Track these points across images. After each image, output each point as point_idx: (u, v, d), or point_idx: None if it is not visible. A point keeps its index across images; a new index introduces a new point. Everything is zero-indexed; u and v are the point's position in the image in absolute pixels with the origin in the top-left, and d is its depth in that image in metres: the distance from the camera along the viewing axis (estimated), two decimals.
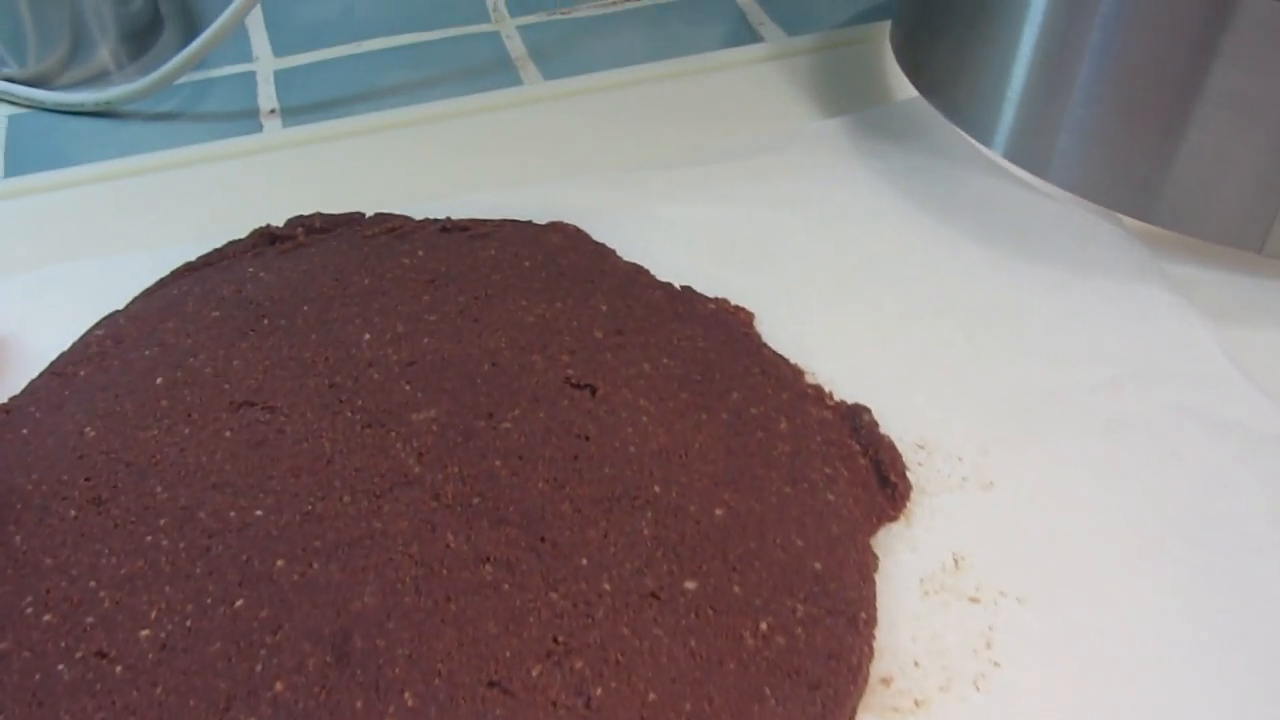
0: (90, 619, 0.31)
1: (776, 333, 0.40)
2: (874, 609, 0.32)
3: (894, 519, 0.35)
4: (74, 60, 0.56)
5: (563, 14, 0.61)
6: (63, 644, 0.30)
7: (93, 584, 0.32)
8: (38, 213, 0.47)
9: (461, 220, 0.43)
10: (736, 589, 0.32)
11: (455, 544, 0.33)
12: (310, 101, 0.55)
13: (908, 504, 0.35)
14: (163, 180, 0.49)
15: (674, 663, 0.30)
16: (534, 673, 0.30)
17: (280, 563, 0.32)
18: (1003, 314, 0.41)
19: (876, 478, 0.36)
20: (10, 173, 0.51)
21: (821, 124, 0.49)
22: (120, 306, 0.41)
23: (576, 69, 0.56)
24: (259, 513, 0.33)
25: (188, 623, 0.31)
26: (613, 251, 0.42)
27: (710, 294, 0.41)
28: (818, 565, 0.33)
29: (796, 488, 0.34)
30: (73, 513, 0.33)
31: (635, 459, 0.35)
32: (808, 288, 0.42)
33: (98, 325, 0.40)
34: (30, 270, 0.44)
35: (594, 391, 0.37)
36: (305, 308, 0.39)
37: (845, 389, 0.38)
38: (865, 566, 0.33)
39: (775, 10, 0.60)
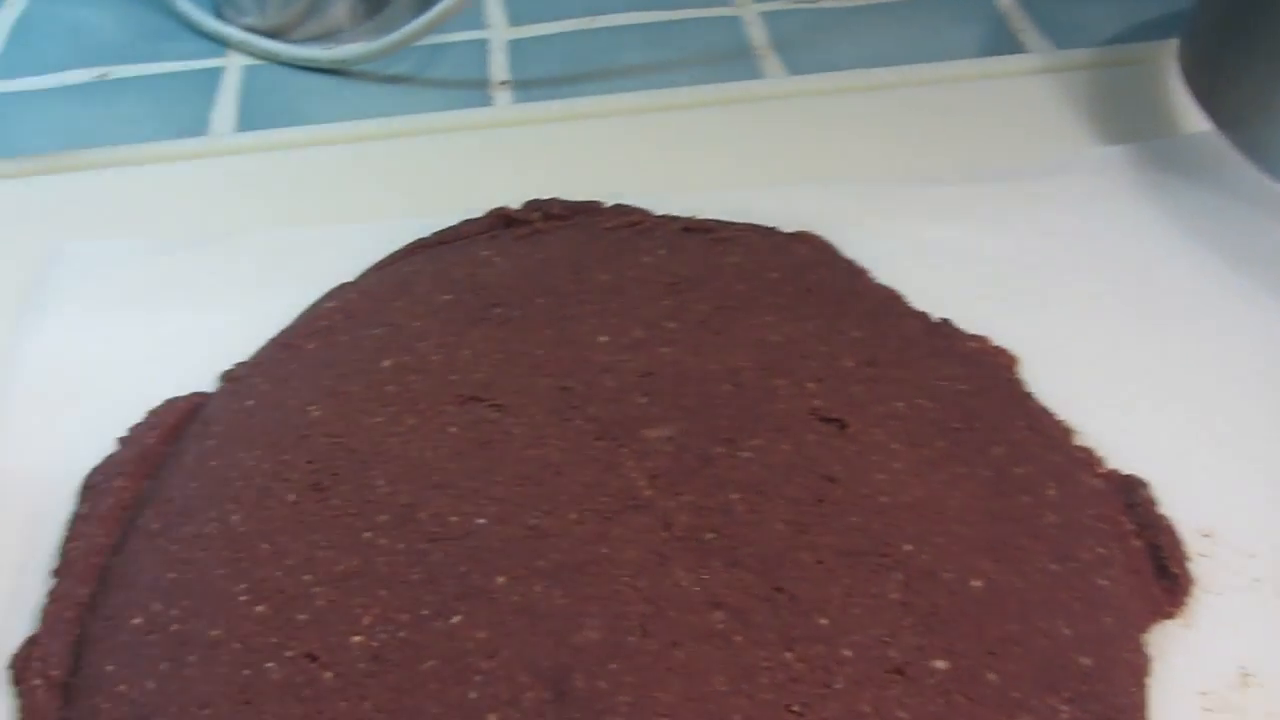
0: (303, 616, 0.29)
1: (1041, 381, 0.36)
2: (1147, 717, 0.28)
3: (1171, 616, 0.31)
4: (311, 14, 0.55)
5: (809, 3, 0.57)
6: (273, 640, 0.29)
7: (307, 578, 0.30)
8: (264, 172, 0.47)
9: (704, 221, 0.41)
10: (992, 676, 0.28)
11: (685, 583, 0.30)
12: (542, 75, 0.53)
13: (1188, 601, 0.31)
14: (390, 148, 0.48)
15: None
16: None
17: (501, 579, 0.30)
18: None
19: (1153, 566, 0.31)
20: (244, 124, 0.51)
21: (1099, 151, 0.45)
22: (343, 279, 0.40)
23: (821, 64, 0.53)
24: (481, 521, 0.31)
25: (401, 633, 0.29)
26: (864, 271, 0.39)
27: (969, 329, 0.37)
28: (1086, 661, 0.29)
29: (1064, 566, 0.31)
30: (292, 497, 0.32)
31: (886, 511, 0.32)
32: (1079, 334, 0.38)
33: (328, 296, 0.38)
34: (255, 233, 0.43)
35: (843, 427, 0.33)
36: (540, 300, 0.37)
37: (1118, 456, 0.34)
38: (1138, 668, 0.29)
39: (1040, 15, 0.56)
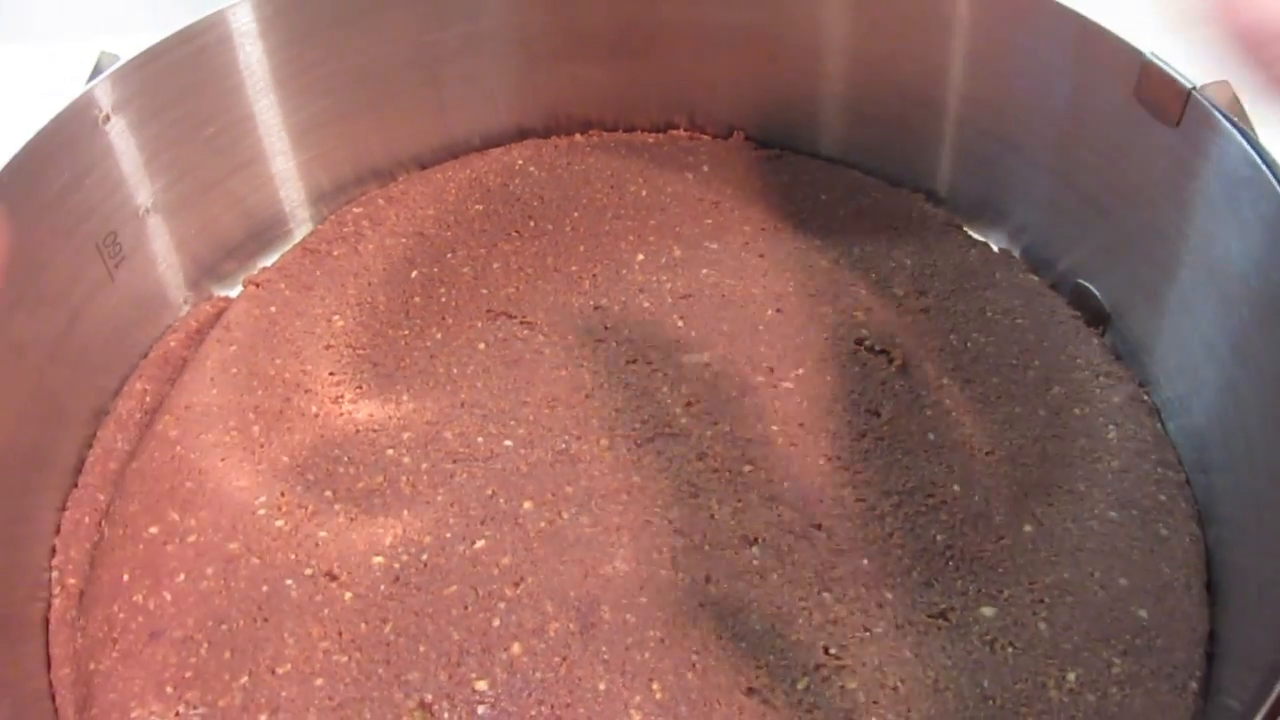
0: (324, 533, 0.28)
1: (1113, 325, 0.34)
2: (1207, 677, 0.27)
3: None
4: None
5: None
6: (293, 556, 0.28)
7: (328, 494, 0.29)
8: None
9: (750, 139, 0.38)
10: (1042, 626, 0.27)
11: (720, 516, 0.29)
12: None
13: None
14: None
15: (961, 703, 0.26)
16: (799, 685, 0.26)
17: (528, 504, 0.29)
18: None
19: None
20: None
21: None
22: None
23: None
24: (508, 443, 0.30)
25: (424, 556, 0.28)
26: (924, 196, 0.37)
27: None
28: (1143, 613, 0.27)
29: (1123, 513, 0.29)
30: (314, 409, 0.31)
31: (934, 449, 0.30)
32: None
33: (355, 202, 0.37)
34: None
35: (890, 359, 0.32)
36: (576, 214, 0.35)
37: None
38: (1199, 622, 0.28)
39: None
